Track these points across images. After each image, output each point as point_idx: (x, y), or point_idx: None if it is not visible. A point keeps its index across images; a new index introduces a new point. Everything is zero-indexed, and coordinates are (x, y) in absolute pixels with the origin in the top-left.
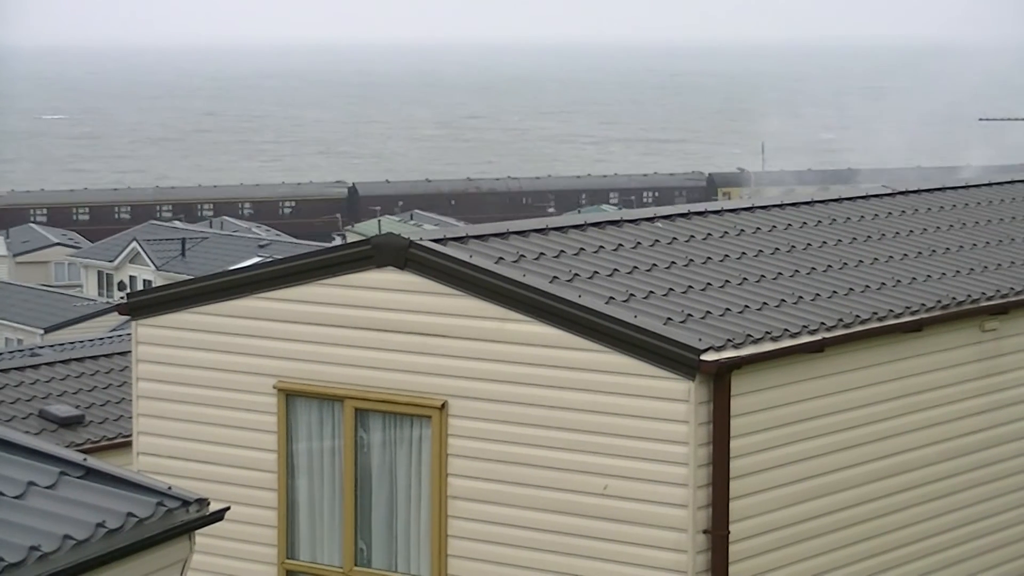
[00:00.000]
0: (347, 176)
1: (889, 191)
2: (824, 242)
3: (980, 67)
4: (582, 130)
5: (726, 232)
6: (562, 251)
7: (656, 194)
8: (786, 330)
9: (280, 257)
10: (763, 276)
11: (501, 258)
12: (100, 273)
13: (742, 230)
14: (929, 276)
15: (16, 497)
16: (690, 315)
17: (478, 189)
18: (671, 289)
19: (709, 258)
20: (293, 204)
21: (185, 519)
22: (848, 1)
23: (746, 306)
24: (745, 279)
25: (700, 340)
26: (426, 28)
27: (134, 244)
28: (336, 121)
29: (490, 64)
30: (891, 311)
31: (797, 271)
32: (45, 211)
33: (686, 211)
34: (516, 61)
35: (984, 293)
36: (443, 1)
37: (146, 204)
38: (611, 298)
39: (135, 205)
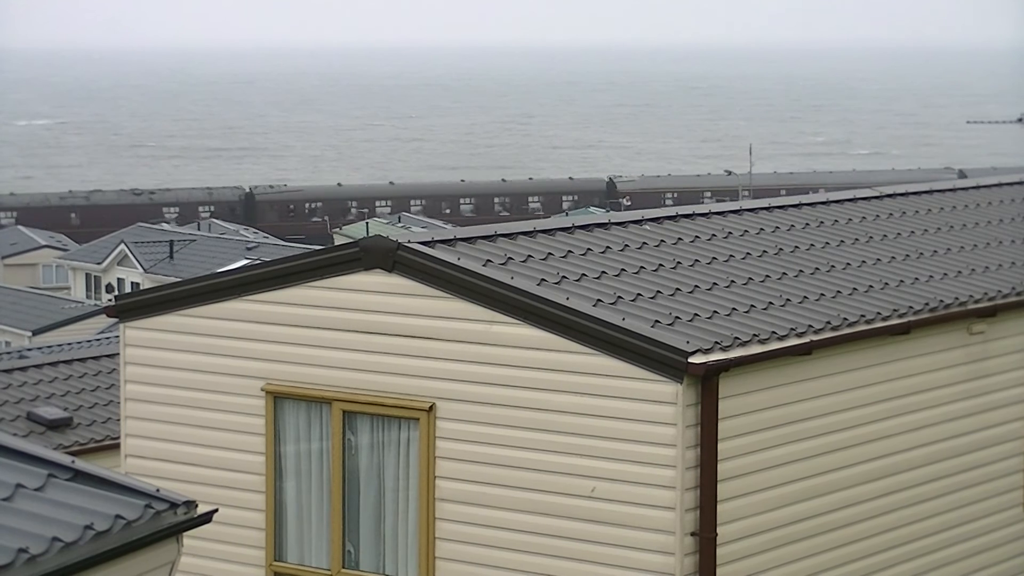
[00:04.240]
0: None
1: (876, 193)
2: (812, 244)
3: (964, 69)
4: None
5: (714, 235)
6: (550, 253)
7: None
8: (774, 333)
9: (268, 259)
10: (751, 279)
11: (489, 260)
12: (88, 275)
13: (730, 232)
14: (917, 279)
15: (4, 499)
16: (678, 318)
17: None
18: (659, 291)
19: (697, 260)
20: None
21: (173, 521)
22: (836, 5)
23: (734, 308)
24: (733, 281)
25: (688, 343)
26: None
27: (122, 246)
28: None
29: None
30: (879, 314)
31: (785, 273)
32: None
33: (674, 213)
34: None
35: (972, 296)
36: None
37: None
38: (599, 300)
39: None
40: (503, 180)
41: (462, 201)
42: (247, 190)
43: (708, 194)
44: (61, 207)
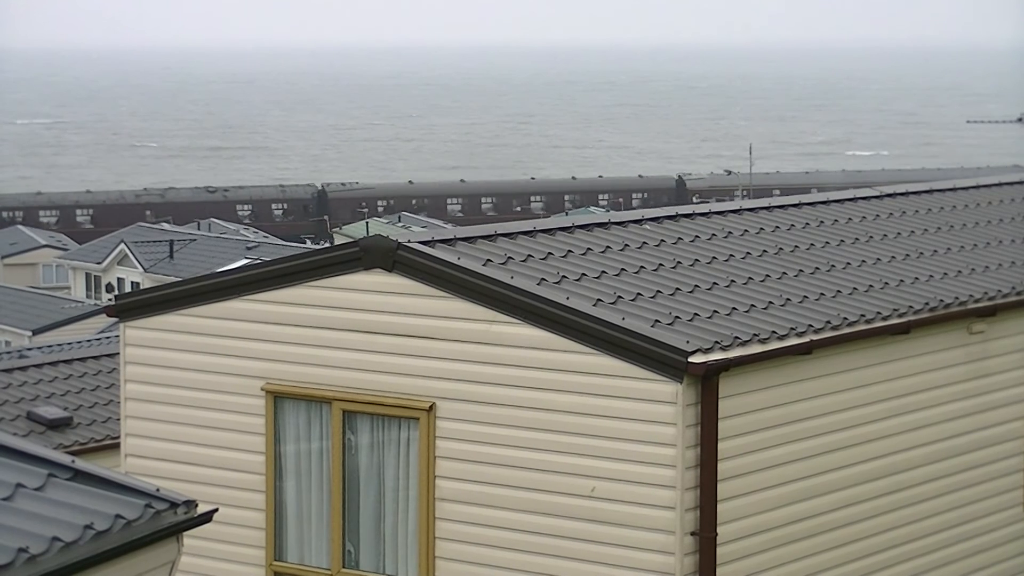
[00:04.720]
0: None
1: (876, 193)
2: (812, 244)
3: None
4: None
5: (714, 234)
6: (550, 253)
7: None
8: (774, 332)
9: (268, 259)
10: (751, 278)
11: (489, 260)
12: (88, 275)
13: (730, 232)
14: (917, 278)
15: (4, 499)
16: (678, 317)
17: None
18: (659, 291)
19: (697, 260)
20: None
21: (173, 521)
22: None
23: (734, 308)
24: (733, 281)
25: (688, 342)
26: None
27: (122, 246)
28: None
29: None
30: (879, 313)
31: (785, 273)
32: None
33: (674, 213)
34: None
35: (972, 295)
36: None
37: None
38: (599, 300)
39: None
40: (573, 178)
41: (532, 199)
42: (319, 187)
43: (777, 191)
44: (136, 205)
